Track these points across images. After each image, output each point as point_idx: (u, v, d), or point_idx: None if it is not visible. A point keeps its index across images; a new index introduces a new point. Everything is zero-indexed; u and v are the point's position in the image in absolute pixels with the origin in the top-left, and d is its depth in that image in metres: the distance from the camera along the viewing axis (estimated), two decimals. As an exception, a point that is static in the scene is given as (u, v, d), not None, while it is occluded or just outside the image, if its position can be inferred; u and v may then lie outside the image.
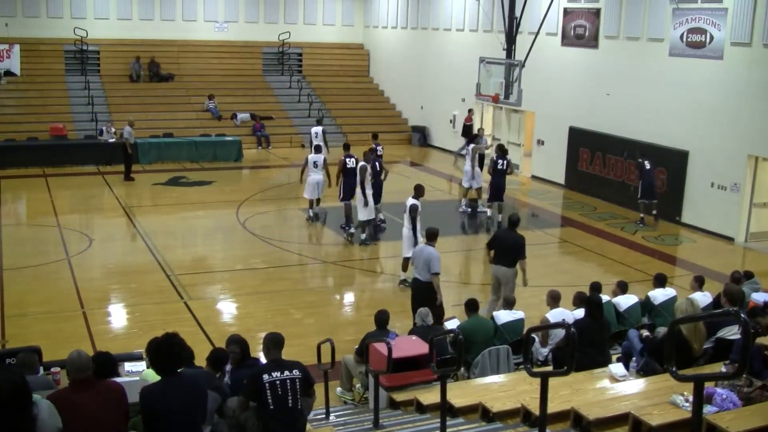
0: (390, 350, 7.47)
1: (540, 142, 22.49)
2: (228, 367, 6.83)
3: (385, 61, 30.75)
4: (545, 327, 8.92)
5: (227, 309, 12.28)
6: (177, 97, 27.45)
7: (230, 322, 11.67)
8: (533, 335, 8.80)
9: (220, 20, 29.70)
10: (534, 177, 22.62)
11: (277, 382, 5.89)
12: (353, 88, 30.57)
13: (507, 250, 11.21)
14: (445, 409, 6.58)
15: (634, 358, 7.96)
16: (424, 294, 10.52)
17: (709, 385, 6.07)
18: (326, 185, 16.92)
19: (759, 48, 15.64)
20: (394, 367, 7.69)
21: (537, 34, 19.11)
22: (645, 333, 8.34)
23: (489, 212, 17.44)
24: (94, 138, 23.55)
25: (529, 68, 18.84)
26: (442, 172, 23.48)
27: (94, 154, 22.71)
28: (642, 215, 17.52)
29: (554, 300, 9.33)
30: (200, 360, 6.85)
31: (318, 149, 17.38)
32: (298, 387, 5.96)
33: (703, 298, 9.28)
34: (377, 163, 16.04)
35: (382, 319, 8.74)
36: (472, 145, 18.61)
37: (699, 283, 9.85)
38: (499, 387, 7.86)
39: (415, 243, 12.10)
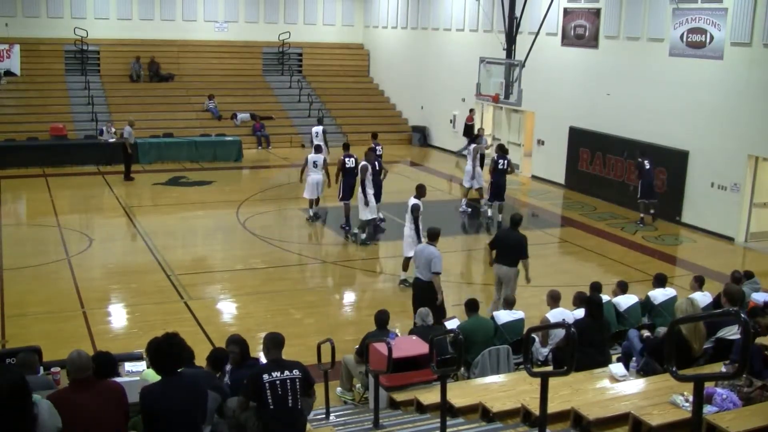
0: (390, 350, 7.47)
1: (540, 142, 22.49)
2: (228, 367, 6.84)
3: (385, 61, 30.75)
4: (545, 327, 8.91)
5: (227, 309, 12.28)
6: (177, 97, 27.45)
7: (230, 322, 11.67)
8: (533, 335, 8.80)
9: (220, 20, 29.71)
10: (534, 177, 22.63)
11: (277, 382, 5.89)
12: (353, 88, 30.57)
13: (509, 249, 11.24)
14: (445, 409, 6.58)
15: (634, 358, 7.96)
16: (425, 294, 10.53)
17: (709, 385, 6.07)
18: (326, 185, 16.92)
19: (759, 48, 15.64)
20: (394, 367, 7.68)
21: (537, 34, 19.12)
22: (646, 333, 8.34)
23: (489, 212, 17.43)
24: (94, 138, 23.56)
25: (529, 68, 18.84)
26: (442, 172, 23.48)
27: (94, 154, 22.71)
28: (642, 215, 17.53)
29: (554, 300, 9.33)
30: (200, 360, 6.85)
31: (318, 149, 17.38)
32: (298, 387, 5.96)
33: (703, 298, 9.28)
34: (377, 163, 16.04)
35: (382, 319, 8.74)
36: (473, 145, 18.61)
37: (699, 283, 9.85)
38: (499, 387, 7.86)
39: (419, 243, 12.10)
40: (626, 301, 9.79)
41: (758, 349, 6.75)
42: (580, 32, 20.55)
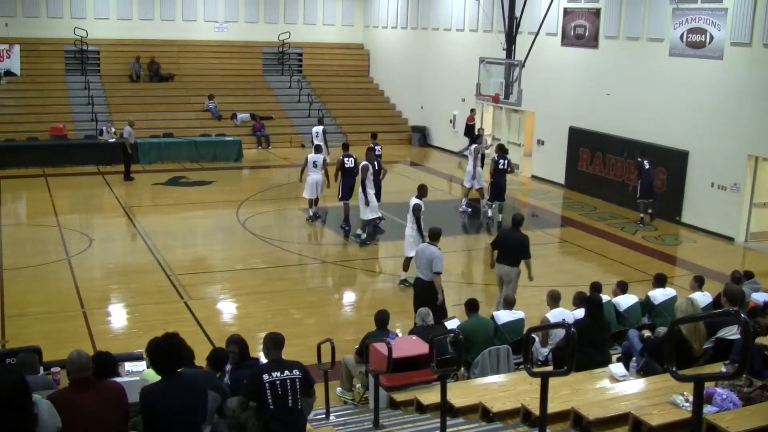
0: (390, 350, 7.47)
1: (540, 142, 22.49)
2: (227, 367, 6.84)
3: (385, 61, 30.75)
4: (545, 327, 8.91)
5: (227, 309, 12.28)
6: (177, 97, 27.45)
7: (230, 322, 11.67)
8: (533, 335, 8.80)
9: (220, 20, 29.71)
10: (534, 177, 22.63)
11: (277, 382, 5.88)
12: (353, 88, 30.57)
13: (511, 249, 11.26)
14: (445, 409, 6.58)
15: (634, 358, 7.96)
16: (426, 293, 10.54)
17: (709, 385, 6.07)
18: (325, 185, 16.91)
19: (759, 48, 15.64)
20: (394, 367, 7.68)
21: (537, 34, 19.12)
22: (646, 333, 8.34)
23: (489, 212, 17.43)
24: (94, 138, 23.56)
25: (529, 68, 18.84)
26: (442, 172, 23.48)
27: (94, 154, 22.71)
28: (642, 215, 17.54)
29: (554, 300, 9.33)
30: (200, 360, 6.85)
31: (318, 149, 17.38)
32: (298, 387, 5.96)
33: (703, 298, 9.28)
34: (376, 163, 16.03)
35: (382, 319, 8.75)
36: (474, 146, 18.60)
37: (699, 283, 9.85)
38: (499, 387, 7.86)
39: (422, 243, 12.10)
40: (626, 301, 9.79)
41: (758, 349, 6.75)
42: (580, 32, 20.55)
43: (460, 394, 7.59)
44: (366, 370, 8.32)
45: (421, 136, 28.20)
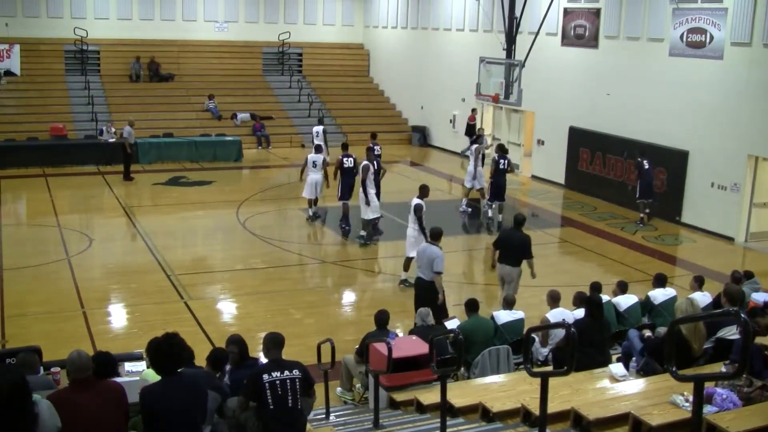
0: (390, 350, 7.47)
1: (540, 142, 22.49)
2: (227, 367, 6.84)
3: (385, 61, 30.75)
4: (545, 327, 8.91)
5: (227, 309, 12.28)
6: (177, 97, 27.46)
7: (230, 322, 11.67)
8: (533, 335, 8.80)
9: (220, 20, 29.71)
10: (534, 177, 22.62)
11: (277, 382, 5.89)
12: (353, 88, 30.57)
13: (512, 249, 11.29)
14: (445, 409, 6.58)
15: (634, 358, 7.96)
16: (427, 293, 10.55)
17: (709, 385, 6.07)
18: (324, 185, 16.90)
19: (759, 48, 15.64)
20: (394, 367, 7.69)
21: (537, 34, 19.12)
22: (647, 333, 8.34)
23: (490, 213, 17.43)
24: (94, 138, 23.56)
25: (529, 68, 18.84)
26: (442, 172, 23.48)
27: (94, 154, 22.72)
28: (642, 215, 17.54)
29: (554, 300, 9.33)
30: (200, 360, 6.85)
31: (318, 149, 17.38)
32: (298, 387, 5.96)
33: (703, 298, 9.28)
34: (375, 163, 16.01)
35: (382, 319, 8.75)
36: (475, 146, 18.59)
37: (699, 283, 9.85)
38: (499, 387, 7.86)
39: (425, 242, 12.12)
40: (626, 301, 9.80)
41: (758, 349, 6.75)
42: (580, 32, 20.55)
43: (460, 394, 7.59)
44: (366, 370, 8.32)
45: (421, 136, 28.20)
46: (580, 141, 20.71)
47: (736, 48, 16.09)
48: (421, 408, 7.74)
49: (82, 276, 13.21)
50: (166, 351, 5.22)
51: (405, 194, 17.76)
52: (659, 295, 9.88)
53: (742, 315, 4.56)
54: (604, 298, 9.21)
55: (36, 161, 21.94)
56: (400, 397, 8.07)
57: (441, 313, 10.25)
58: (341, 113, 28.54)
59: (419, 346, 8.26)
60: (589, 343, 7.81)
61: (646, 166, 17.13)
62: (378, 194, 15.89)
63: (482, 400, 7.24)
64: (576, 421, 6.41)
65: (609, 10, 19.53)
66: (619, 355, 8.38)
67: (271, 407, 5.86)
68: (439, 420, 6.58)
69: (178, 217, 17.85)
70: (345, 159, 16.06)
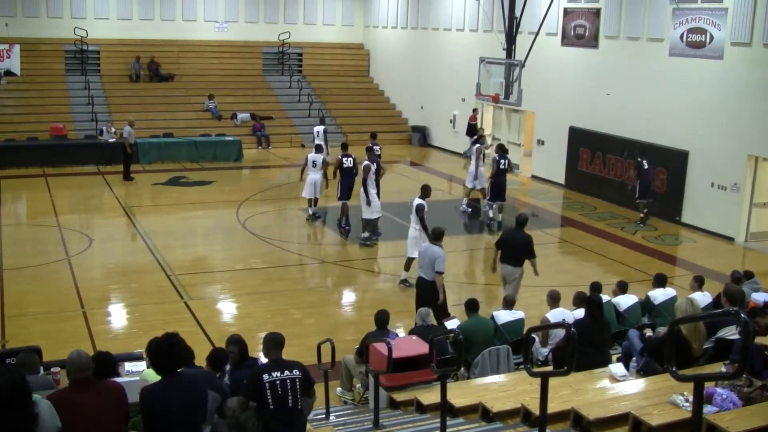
0: (390, 350, 7.47)
1: (540, 142, 22.49)
2: (227, 368, 6.84)
3: (385, 61, 30.75)
4: (545, 327, 8.92)
5: (227, 309, 12.28)
6: (177, 97, 27.46)
7: (230, 322, 11.67)
8: (533, 335, 8.80)
9: (220, 20, 29.71)
10: (534, 177, 22.62)
11: (277, 382, 5.89)
12: (353, 88, 30.57)
13: (513, 249, 11.32)
14: (445, 409, 6.58)
15: (634, 358, 7.96)
16: (429, 293, 10.56)
17: (709, 385, 6.07)
18: (324, 185, 16.89)
19: (759, 48, 15.64)
20: (394, 367, 7.69)
21: (537, 34, 19.12)
22: (648, 333, 8.34)
23: (491, 213, 17.43)
24: (94, 138, 23.57)
25: (529, 68, 18.84)
26: (442, 172, 23.47)
27: (94, 154, 22.72)
28: (642, 215, 17.54)
29: (554, 300, 9.33)
30: (200, 360, 6.85)
31: (318, 149, 17.38)
32: (298, 387, 5.96)
33: (703, 298, 9.28)
34: (375, 163, 16.01)
35: (382, 319, 8.75)
36: (477, 146, 18.59)
37: (699, 283, 9.86)
38: (499, 387, 7.86)
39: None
40: (626, 301, 9.80)
41: (758, 349, 6.75)
42: (580, 32, 20.55)
43: (460, 394, 7.59)
44: (366, 370, 8.32)
45: (421, 136, 28.20)
46: (580, 141, 20.71)
47: (736, 48, 16.09)
48: (421, 408, 7.74)
49: (82, 276, 13.21)
50: (166, 351, 5.22)
51: (405, 194, 17.79)
52: (659, 295, 9.89)
53: (742, 315, 4.57)
54: (604, 298, 9.22)
55: (36, 161, 21.95)
56: (400, 397, 8.07)
57: (442, 313, 10.26)
58: (341, 113, 28.54)
59: (419, 346, 8.26)
60: (589, 343, 7.81)
61: (646, 166, 17.13)
62: (378, 194, 15.90)
63: (482, 400, 7.24)
64: (576, 421, 6.41)
65: (609, 10, 19.53)
66: (619, 355, 8.39)
67: (271, 407, 5.86)
68: (439, 420, 6.58)
69: (178, 217, 17.84)
70: (344, 159, 16.06)
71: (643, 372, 7.64)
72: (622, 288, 10.05)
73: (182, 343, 5.54)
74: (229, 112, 26.85)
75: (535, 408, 6.27)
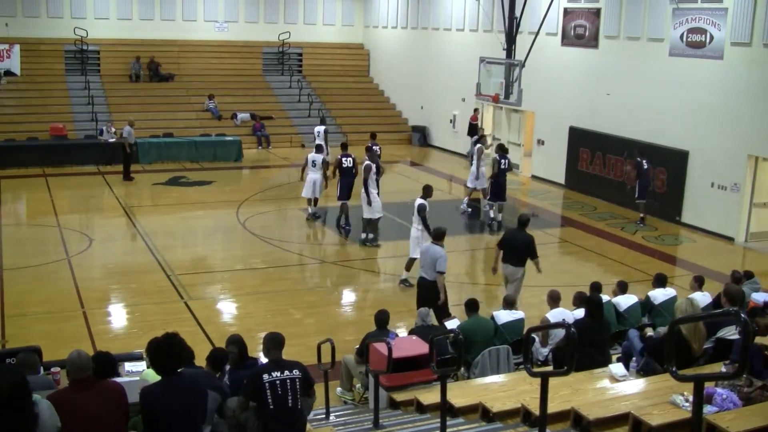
0: (390, 350, 7.47)
1: (540, 142, 22.49)
2: (227, 368, 6.84)
3: (385, 61, 30.75)
4: (545, 327, 8.92)
5: (227, 309, 12.28)
6: (177, 97, 27.46)
7: (230, 322, 11.67)
8: (533, 335, 8.80)
9: (220, 20, 29.71)
10: (534, 177, 22.62)
11: (277, 382, 5.89)
12: (353, 88, 30.57)
13: (515, 249, 11.34)
14: (445, 409, 6.58)
15: (634, 358, 7.96)
16: (430, 293, 10.57)
17: (709, 385, 6.07)
18: (324, 186, 16.88)
19: (759, 48, 15.64)
20: (395, 367, 7.69)
21: (537, 34, 19.12)
22: (648, 333, 8.33)
23: (491, 213, 17.43)
24: (94, 138, 23.57)
25: (529, 68, 18.84)
26: (443, 172, 23.47)
27: (94, 154, 22.72)
28: (641, 215, 17.54)
29: (554, 300, 9.34)
30: (200, 360, 6.85)
31: (318, 149, 17.38)
32: (298, 387, 5.96)
33: (703, 298, 9.28)
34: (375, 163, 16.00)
35: (382, 319, 8.75)
36: (478, 146, 18.59)
37: (699, 283, 9.86)
38: (499, 387, 7.86)
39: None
40: (626, 301, 9.80)
41: (758, 349, 6.75)
42: (580, 32, 20.55)
43: (460, 394, 7.59)
44: (366, 370, 8.32)
45: (421, 136, 28.20)
46: (580, 141, 20.71)
47: (736, 48, 16.09)
48: (421, 408, 7.74)
49: (82, 276, 13.21)
50: (166, 351, 5.22)
51: (405, 194, 17.80)
52: (659, 295, 9.89)
53: (742, 315, 4.56)
54: (604, 298, 9.22)
55: (36, 161, 21.95)
56: (400, 397, 8.07)
57: (443, 313, 10.26)
58: (341, 113, 28.53)
59: (419, 346, 8.26)
60: (589, 343, 7.81)
61: (645, 166, 17.13)
62: (378, 194, 15.89)
63: (482, 400, 7.24)
64: (576, 421, 6.41)
65: (609, 10, 19.53)
66: (619, 355, 8.39)
67: (271, 407, 5.86)
68: (439, 420, 6.58)
69: (178, 217, 17.84)
70: (344, 159, 16.06)
71: (643, 372, 7.65)
72: (622, 288, 10.05)
73: (182, 343, 5.54)
74: (229, 112, 26.86)
75: (535, 408, 6.27)
